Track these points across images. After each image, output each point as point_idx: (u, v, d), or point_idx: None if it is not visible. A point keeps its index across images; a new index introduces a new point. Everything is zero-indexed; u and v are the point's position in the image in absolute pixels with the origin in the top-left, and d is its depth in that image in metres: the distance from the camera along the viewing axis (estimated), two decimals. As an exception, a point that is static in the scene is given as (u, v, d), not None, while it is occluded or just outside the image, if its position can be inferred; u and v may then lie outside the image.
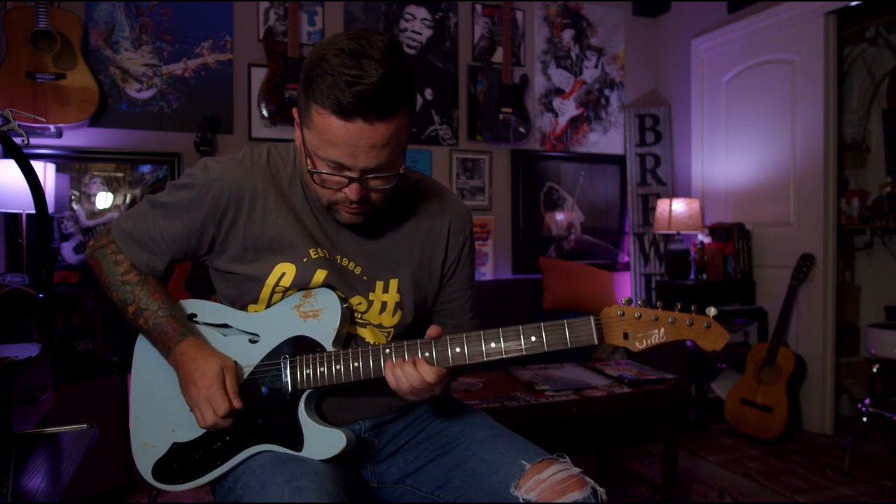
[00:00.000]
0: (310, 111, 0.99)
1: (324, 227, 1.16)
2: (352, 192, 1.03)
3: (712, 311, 1.01)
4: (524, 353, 1.05)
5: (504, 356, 1.06)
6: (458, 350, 1.06)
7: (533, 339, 1.04)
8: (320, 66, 0.96)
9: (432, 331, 1.08)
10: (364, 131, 0.96)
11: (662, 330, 1.02)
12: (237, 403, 1.09)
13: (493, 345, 1.05)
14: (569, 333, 1.03)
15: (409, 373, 1.05)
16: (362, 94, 0.94)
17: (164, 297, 1.17)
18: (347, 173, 1.01)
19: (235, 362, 1.14)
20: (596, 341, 1.03)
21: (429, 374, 1.04)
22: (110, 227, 1.22)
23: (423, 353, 1.07)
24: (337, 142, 0.98)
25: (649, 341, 1.02)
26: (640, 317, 1.02)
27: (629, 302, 1.03)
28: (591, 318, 1.03)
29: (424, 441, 1.23)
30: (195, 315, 1.20)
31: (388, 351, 1.08)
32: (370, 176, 1.03)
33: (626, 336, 1.02)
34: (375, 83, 0.94)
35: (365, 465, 1.23)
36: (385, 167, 1.02)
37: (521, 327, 1.05)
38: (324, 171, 1.03)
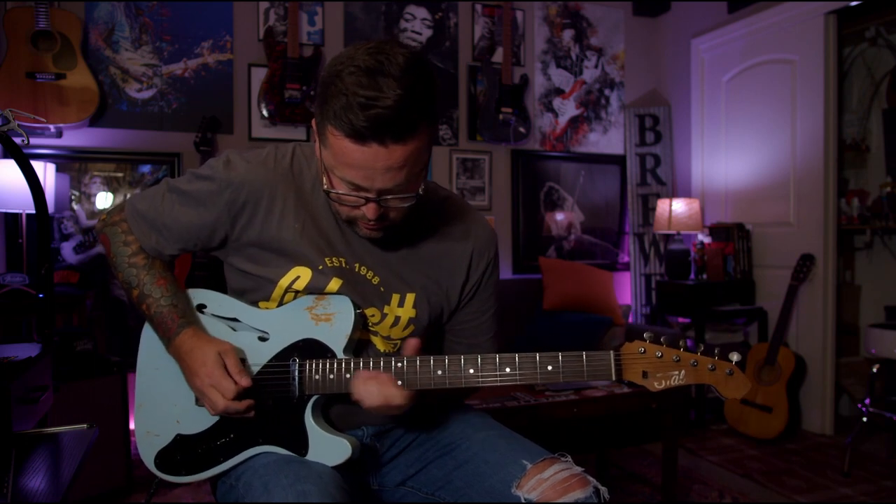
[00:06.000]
0: (325, 130, 0.97)
1: (345, 233, 1.15)
2: (369, 211, 1.01)
3: (735, 356, 0.97)
4: (539, 381, 1.04)
5: (519, 382, 1.05)
6: (471, 371, 1.06)
7: (549, 367, 1.03)
8: (335, 84, 0.93)
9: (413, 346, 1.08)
10: (379, 154, 0.93)
11: (683, 372, 0.99)
12: (244, 382, 1.07)
13: (507, 370, 1.04)
14: (587, 365, 1.01)
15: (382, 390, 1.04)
16: (376, 118, 0.90)
17: (169, 284, 1.16)
18: (364, 194, 0.99)
19: (239, 353, 1.13)
20: (614, 377, 1.00)
21: (398, 396, 1.04)
22: (124, 203, 1.21)
23: (435, 371, 1.06)
24: (352, 164, 0.95)
25: (668, 382, 0.99)
26: (661, 356, 0.99)
27: (652, 339, 1.00)
28: (611, 354, 1.00)
29: (425, 442, 1.23)
30: (205, 306, 1.18)
31: (399, 364, 1.07)
32: (388, 196, 1.00)
33: (645, 375, 1.00)
34: (391, 106, 0.90)
35: (367, 469, 1.23)
36: (402, 188, 0.99)
37: (538, 355, 1.03)
38: (340, 190, 1.01)
